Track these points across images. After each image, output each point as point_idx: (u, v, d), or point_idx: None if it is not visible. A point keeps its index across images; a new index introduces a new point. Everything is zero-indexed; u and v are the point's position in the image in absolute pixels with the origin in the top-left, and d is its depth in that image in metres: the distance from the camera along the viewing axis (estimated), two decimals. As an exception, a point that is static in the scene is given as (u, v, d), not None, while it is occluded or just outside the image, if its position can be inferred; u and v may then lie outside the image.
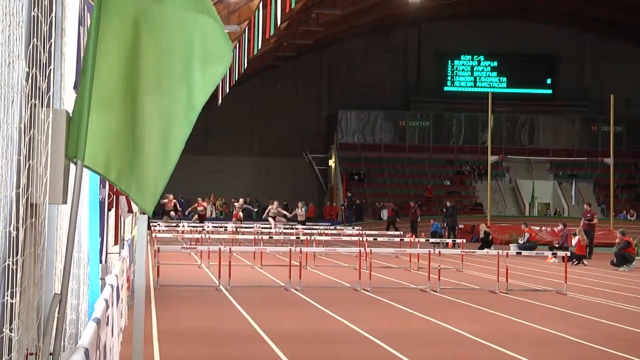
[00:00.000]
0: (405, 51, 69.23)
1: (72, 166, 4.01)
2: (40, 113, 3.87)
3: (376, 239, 32.05)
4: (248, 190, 63.01)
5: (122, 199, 10.40)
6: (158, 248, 20.90)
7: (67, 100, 4.73)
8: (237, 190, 64.31)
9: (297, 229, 38.03)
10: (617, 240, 29.36)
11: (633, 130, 66.71)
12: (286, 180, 64.89)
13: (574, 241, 30.68)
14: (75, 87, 4.58)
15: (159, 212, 39.41)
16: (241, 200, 43.68)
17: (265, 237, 35.41)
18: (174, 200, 40.09)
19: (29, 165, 3.70)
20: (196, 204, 43.04)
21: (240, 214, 42.17)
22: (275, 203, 40.75)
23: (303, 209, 43.99)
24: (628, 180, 66.03)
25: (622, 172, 63.30)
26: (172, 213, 39.70)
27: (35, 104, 3.79)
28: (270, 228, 37.90)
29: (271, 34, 27.05)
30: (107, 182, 7.27)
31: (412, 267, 26.24)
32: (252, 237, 33.27)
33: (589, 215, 34.47)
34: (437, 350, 12.10)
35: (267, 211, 40.86)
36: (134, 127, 4.01)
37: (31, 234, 3.81)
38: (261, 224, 40.63)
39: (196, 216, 42.30)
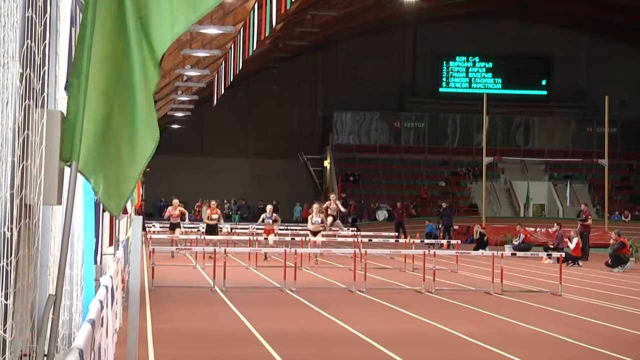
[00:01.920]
0: (400, 52, 69.25)
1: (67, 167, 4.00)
2: (35, 114, 3.86)
3: (371, 240, 32.06)
4: (243, 192, 62.96)
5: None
6: (153, 249, 20.92)
7: (62, 101, 4.72)
8: (231, 191, 64.34)
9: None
10: (611, 241, 29.36)
11: (628, 132, 66.76)
12: (281, 181, 64.88)
13: (573, 243, 30.53)
14: (66, 87, 4.57)
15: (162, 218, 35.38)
16: (269, 207, 31.37)
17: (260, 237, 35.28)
18: (181, 209, 31.28)
19: (23, 166, 3.69)
20: (208, 211, 31.27)
21: (276, 227, 31.13)
22: (315, 206, 29.53)
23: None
24: (623, 182, 66.12)
25: (617, 174, 63.37)
26: (179, 230, 31.50)
27: (29, 105, 3.78)
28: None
29: (266, 35, 27.01)
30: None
31: (407, 268, 26.24)
32: (247, 237, 33.24)
33: (583, 215, 34.36)
34: (431, 351, 12.11)
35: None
36: (105, 125, 3.94)
37: (25, 234, 3.81)
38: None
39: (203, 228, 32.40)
